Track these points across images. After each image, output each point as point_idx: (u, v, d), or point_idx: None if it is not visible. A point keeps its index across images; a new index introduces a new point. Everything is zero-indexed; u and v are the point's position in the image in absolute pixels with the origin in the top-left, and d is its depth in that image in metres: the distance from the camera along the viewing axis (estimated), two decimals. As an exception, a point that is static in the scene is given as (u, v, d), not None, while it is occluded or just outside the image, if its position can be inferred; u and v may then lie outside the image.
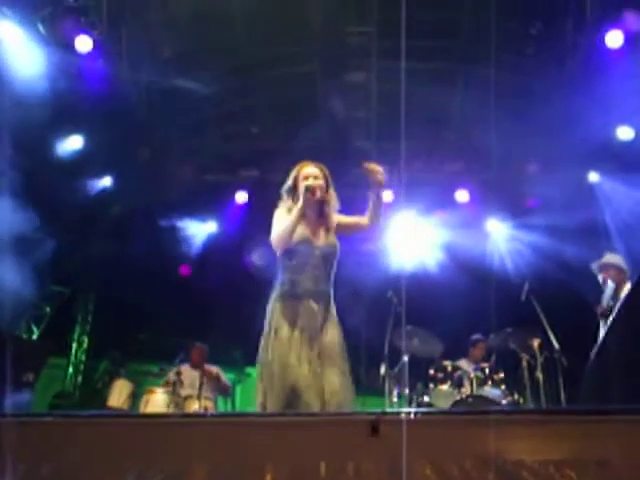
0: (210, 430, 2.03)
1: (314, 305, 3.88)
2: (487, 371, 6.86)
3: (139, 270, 8.95)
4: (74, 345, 9.99)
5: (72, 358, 9.92)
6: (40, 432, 2.06)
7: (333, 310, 3.98)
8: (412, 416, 1.95)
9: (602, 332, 3.54)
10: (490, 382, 6.78)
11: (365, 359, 8.04)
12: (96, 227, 9.80)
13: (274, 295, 4.00)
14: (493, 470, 1.83)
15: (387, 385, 6.82)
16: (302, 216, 4.06)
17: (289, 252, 3.99)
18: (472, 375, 6.81)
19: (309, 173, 4.14)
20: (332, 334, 3.87)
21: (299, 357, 3.72)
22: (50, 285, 9.38)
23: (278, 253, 4.02)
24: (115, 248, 9.42)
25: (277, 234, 4.00)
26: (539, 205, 9.28)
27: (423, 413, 2.57)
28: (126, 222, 9.81)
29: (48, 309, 9.32)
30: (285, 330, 3.84)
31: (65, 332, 9.92)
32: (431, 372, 7.00)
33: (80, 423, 2.16)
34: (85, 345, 10.08)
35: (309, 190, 4.05)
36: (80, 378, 9.87)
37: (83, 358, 10.00)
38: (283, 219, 4.05)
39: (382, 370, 6.85)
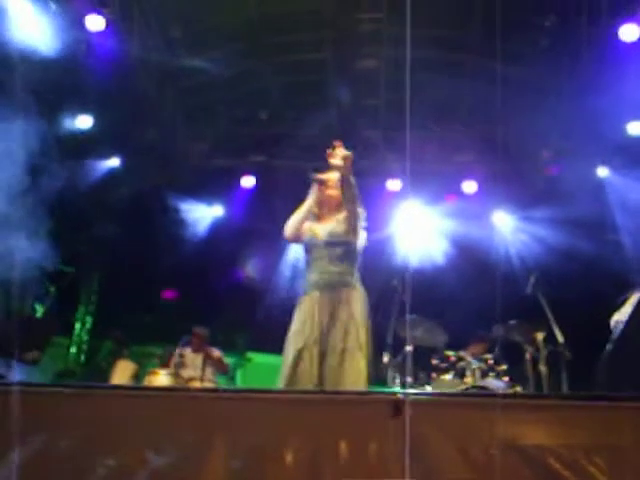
0: (230, 406, 2.03)
1: (316, 296, 4.02)
2: (490, 362, 6.86)
3: (144, 252, 8.96)
4: (78, 325, 10.01)
5: (75, 338, 9.94)
6: (55, 403, 2.06)
7: (347, 296, 4.01)
8: (435, 398, 1.95)
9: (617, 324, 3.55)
10: (493, 373, 6.78)
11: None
12: (102, 207, 9.78)
13: None
14: (515, 453, 1.83)
15: (390, 374, 6.81)
16: (318, 210, 4.33)
17: (305, 250, 4.25)
18: (475, 366, 6.80)
19: (331, 174, 4.30)
20: (338, 326, 3.91)
21: (302, 350, 3.87)
22: (55, 265, 9.37)
23: (290, 242, 4.45)
24: (121, 229, 9.41)
25: (287, 226, 4.28)
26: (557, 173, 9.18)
27: (446, 395, 2.57)
28: (132, 203, 9.80)
29: (53, 288, 9.31)
30: (295, 324, 4.05)
31: (69, 312, 9.93)
32: (434, 362, 6.99)
33: (98, 395, 2.16)
34: (89, 325, 10.10)
35: (320, 182, 4.27)
36: (83, 358, 9.90)
37: (86, 338, 10.02)
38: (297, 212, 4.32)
39: (385, 359, 6.83)
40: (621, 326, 3.43)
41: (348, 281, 4.09)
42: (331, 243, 4.13)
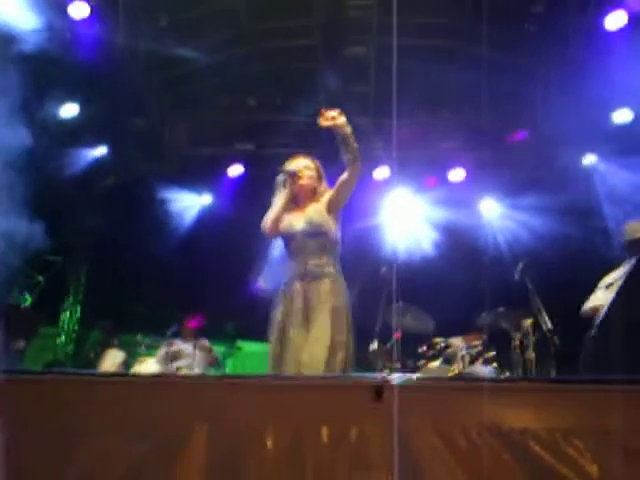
0: (211, 392, 2.02)
1: (299, 287, 3.96)
2: (479, 349, 6.88)
3: (132, 241, 8.92)
4: (66, 315, 9.97)
5: (64, 328, 9.90)
6: (39, 391, 2.05)
7: (329, 288, 3.95)
8: (417, 382, 1.95)
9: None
10: (481, 360, 6.80)
11: (356, 335, 8.04)
12: (90, 197, 9.73)
13: None
14: (498, 437, 1.84)
15: (378, 361, 6.81)
16: (292, 203, 4.23)
17: (284, 243, 4.18)
18: (463, 352, 6.82)
19: (299, 163, 4.27)
20: (322, 317, 3.86)
21: (284, 342, 3.88)
22: (43, 254, 9.32)
23: (269, 238, 4.28)
24: (108, 219, 9.36)
25: (264, 222, 4.16)
26: (525, 137, 9.18)
27: (428, 379, 2.57)
28: (120, 193, 9.75)
29: (41, 278, 9.27)
30: (278, 316, 4.01)
31: (57, 302, 9.88)
32: (422, 349, 7.01)
33: (80, 382, 2.14)
34: (77, 315, 10.06)
35: (292, 174, 4.17)
36: (72, 348, 9.86)
37: (75, 328, 9.99)
38: (271, 208, 4.21)
39: (373, 346, 6.84)
40: (604, 310, 3.45)
41: (329, 273, 4.03)
42: (310, 234, 4.08)
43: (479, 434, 1.87)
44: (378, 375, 2.04)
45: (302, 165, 4.26)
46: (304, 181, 4.22)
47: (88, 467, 1.89)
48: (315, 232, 4.07)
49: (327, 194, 4.22)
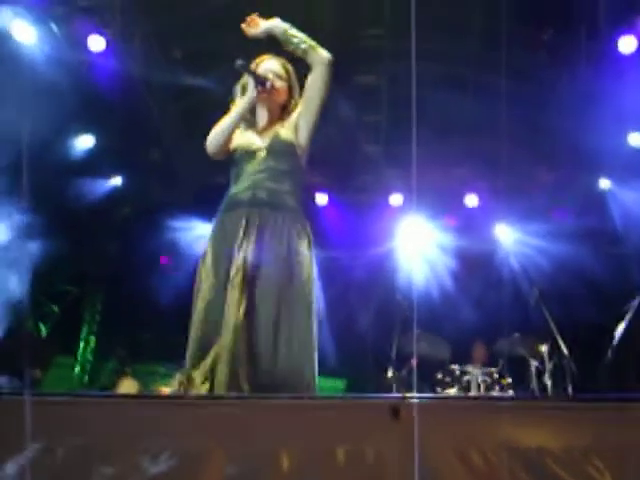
0: (225, 412, 2.01)
1: (243, 214, 3.12)
2: (495, 376, 6.84)
3: (148, 270, 8.96)
4: (81, 344, 10.00)
5: (79, 357, 9.92)
6: (52, 412, 2.05)
7: (287, 226, 3.09)
8: (434, 401, 1.94)
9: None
10: (498, 387, 6.76)
11: (373, 362, 8.03)
12: (105, 227, 9.81)
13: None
14: (516, 456, 1.82)
15: (394, 388, 6.79)
16: (253, 117, 3.41)
17: (234, 163, 3.32)
18: (480, 380, 6.79)
19: (269, 68, 3.39)
20: (279, 264, 3.00)
21: (218, 289, 3.03)
22: (58, 284, 9.38)
23: (214, 157, 3.36)
24: (124, 248, 9.43)
25: (210, 137, 3.30)
26: (565, 217, 9.18)
27: (445, 398, 2.56)
28: (135, 222, 9.82)
29: (56, 308, 9.32)
30: (210, 252, 3.18)
31: (73, 331, 9.92)
32: (439, 376, 6.98)
33: (92, 403, 2.14)
34: (92, 344, 10.08)
35: (262, 83, 3.27)
36: (87, 377, 9.87)
37: (90, 358, 10.00)
38: (224, 119, 3.29)
39: (389, 373, 6.83)
40: (621, 329, 3.43)
41: (290, 204, 3.16)
42: (273, 152, 3.20)
43: (496, 453, 1.84)
44: (394, 394, 2.01)
45: (274, 72, 3.37)
46: (275, 96, 3.34)
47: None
48: (280, 151, 3.23)
49: (298, 109, 3.38)
